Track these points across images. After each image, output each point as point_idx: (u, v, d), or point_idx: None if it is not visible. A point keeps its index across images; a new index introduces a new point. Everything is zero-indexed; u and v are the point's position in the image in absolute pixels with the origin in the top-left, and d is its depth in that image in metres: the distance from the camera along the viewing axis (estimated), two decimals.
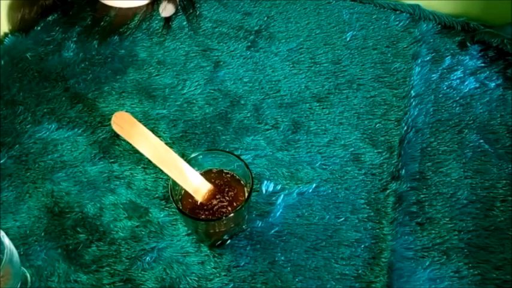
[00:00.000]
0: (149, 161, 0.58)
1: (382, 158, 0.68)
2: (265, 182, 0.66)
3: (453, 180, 0.65)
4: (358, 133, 0.70)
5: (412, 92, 0.73)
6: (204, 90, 0.76)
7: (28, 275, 0.60)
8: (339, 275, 0.59)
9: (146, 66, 0.79)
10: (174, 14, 0.85)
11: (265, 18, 0.84)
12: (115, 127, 0.58)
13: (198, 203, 0.59)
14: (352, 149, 0.69)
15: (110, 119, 0.59)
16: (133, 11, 0.86)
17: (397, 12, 0.83)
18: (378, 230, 0.62)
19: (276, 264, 0.60)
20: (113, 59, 0.80)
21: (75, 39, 0.82)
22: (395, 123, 0.71)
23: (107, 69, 0.79)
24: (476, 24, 0.79)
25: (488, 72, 0.75)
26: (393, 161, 0.67)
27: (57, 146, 0.71)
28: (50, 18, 0.85)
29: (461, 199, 0.64)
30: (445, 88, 0.74)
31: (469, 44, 0.77)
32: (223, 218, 0.56)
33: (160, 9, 0.84)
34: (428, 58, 0.77)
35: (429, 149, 0.68)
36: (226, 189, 0.59)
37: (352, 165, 0.68)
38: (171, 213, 0.64)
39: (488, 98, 0.72)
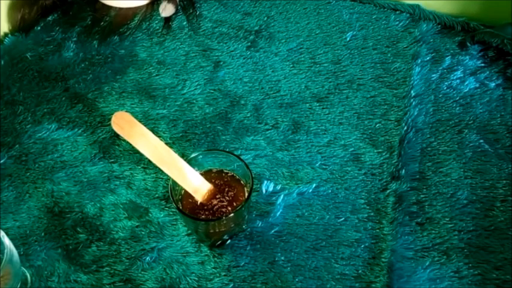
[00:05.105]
0: (149, 161, 0.58)
1: (382, 158, 0.68)
2: (265, 182, 0.66)
3: (453, 180, 0.65)
4: (358, 133, 0.70)
5: (412, 92, 0.73)
6: (204, 90, 0.76)
7: (28, 275, 0.60)
8: (339, 275, 0.59)
9: (146, 66, 0.79)
10: (174, 14, 0.85)
11: (265, 18, 0.84)
12: (115, 127, 0.58)
13: (198, 203, 0.59)
14: (352, 149, 0.69)
15: (110, 119, 0.59)
16: (133, 11, 0.86)
17: (397, 12, 0.83)
18: (378, 230, 0.62)
19: (276, 264, 0.60)
20: (113, 59, 0.80)
21: (75, 39, 0.82)
22: (395, 123, 0.71)
23: (106, 69, 0.79)
24: (476, 24, 0.79)
25: (488, 72, 0.75)
26: (393, 161, 0.67)
27: (57, 146, 0.71)
28: (50, 18, 0.85)
29: (461, 199, 0.64)
30: (445, 88, 0.74)
31: (469, 44, 0.77)
32: (223, 218, 0.56)
33: (160, 9, 0.84)
34: (428, 58, 0.77)
35: (429, 149, 0.68)
36: (226, 189, 0.59)
37: (352, 165, 0.68)
38: (171, 213, 0.64)
39: (488, 98, 0.72)
